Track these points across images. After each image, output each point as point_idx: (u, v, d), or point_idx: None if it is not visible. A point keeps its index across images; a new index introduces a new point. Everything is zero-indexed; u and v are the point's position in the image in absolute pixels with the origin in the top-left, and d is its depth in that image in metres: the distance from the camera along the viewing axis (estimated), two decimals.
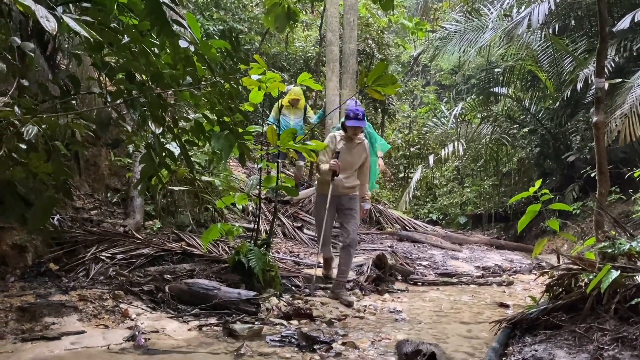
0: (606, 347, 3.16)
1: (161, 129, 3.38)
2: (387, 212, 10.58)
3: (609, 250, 3.76)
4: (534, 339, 3.60)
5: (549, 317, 3.73)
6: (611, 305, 3.42)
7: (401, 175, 16.24)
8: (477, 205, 14.05)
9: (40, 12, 1.91)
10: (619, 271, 3.32)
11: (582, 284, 3.73)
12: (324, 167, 5.10)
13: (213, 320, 4.09)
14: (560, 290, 3.93)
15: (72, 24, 2.11)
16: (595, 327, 3.39)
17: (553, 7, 10.18)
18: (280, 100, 8.37)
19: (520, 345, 3.57)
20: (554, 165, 11.85)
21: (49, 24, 1.91)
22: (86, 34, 2.15)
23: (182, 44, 3.17)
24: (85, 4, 3.14)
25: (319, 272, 5.73)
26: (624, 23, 9.19)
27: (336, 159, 5.07)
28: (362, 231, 9.06)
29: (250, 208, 8.17)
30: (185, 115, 4.12)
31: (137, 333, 3.58)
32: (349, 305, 4.90)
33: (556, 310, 3.77)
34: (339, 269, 5.22)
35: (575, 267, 3.86)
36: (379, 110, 15.05)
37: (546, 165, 12.16)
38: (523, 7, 11.53)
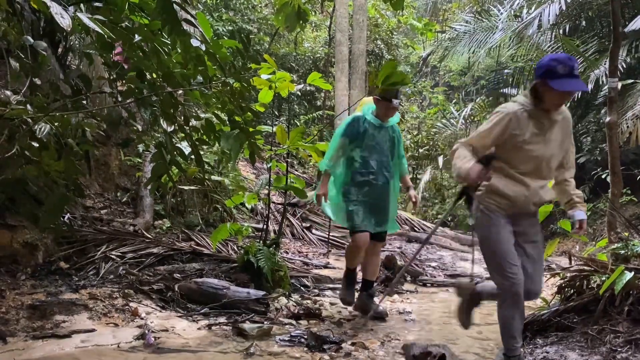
0: (619, 349, 3.13)
1: (172, 127, 3.39)
2: None
3: (622, 252, 3.72)
4: (546, 340, 3.57)
5: (560, 318, 3.69)
6: (624, 307, 3.38)
7: (410, 176, 16.19)
8: None
9: (55, 9, 1.92)
10: (633, 272, 3.28)
11: (594, 285, 3.69)
12: (463, 166, 2.85)
13: (222, 319, 4.09)
14: (572, 291, 3.89)
15: (86, 21, 2.12)
16: (607, 329, 3.35)
17: (564, 8, 10.13)
18: None
19: (531, 346, 3.54)
20: None
21: (64, 21, 1.93)
22: (99, 30, 2.16)
23: (193, 43, 3.18)
24: (97, 4, 3.15)
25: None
26: (636, 24, 9.13)
27: (491, 159, 2.95)
28: None
29: (259, 208, 8.18)
30: (195, 114, 4.13)
31: (146, 332, 3.58)
32: None
33: (568, 311, 3.73)
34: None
35: (588, 268, 3.83)
36: None
37: None
38: (533, 8, 11.47)
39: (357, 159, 4.39)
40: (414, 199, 4.58)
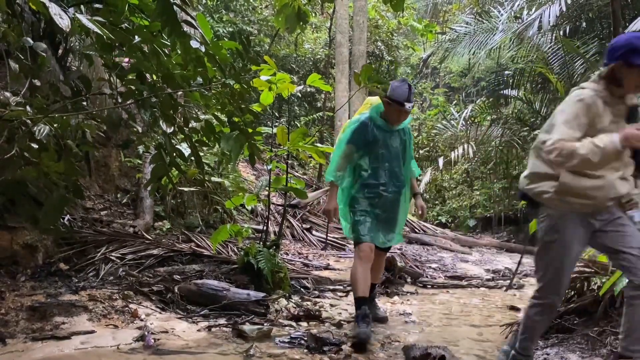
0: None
1: (172, 128, 3.38)
2: None
3: None
4: (546, 342, 3.57)
5: (561, 320, 3.69)
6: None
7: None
8: (487, 208, 13.97)
9: (54, 9, 1.92)
10: None
11: (595, 287, 3.69)
12: (604, 141, 2.55)
13: (222, 321, 4.09)
14: (573, 293, 3.89)
15: (85, 22, 2.12)
16: (608, 331, 3.35)
17: (564, 9, 10.12)
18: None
19: None
20: None
21: (62, 22, 1.92)
22: (98, 31, 2.16)
23: (193, 44, 3.17)
24: (97, 5, 3.15)
25: None
26: (636, 25, 9.10)
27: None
28: None
29: (260, 209, 8.18)
30: (195, 115, 4.13)
31: (146, 333, 3.58)
32: None
33: (568, 313, 3.73)
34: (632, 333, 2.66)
35: (588, 270, 3.83)
36: None
37: None
38: (534, 9, 11.46)
39: (365, 168, 4.03)
40: (420, 211, 4.27)
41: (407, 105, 3.87)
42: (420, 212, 4.29)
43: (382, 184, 4.01)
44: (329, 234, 8.30)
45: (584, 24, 11.66)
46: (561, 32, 11.26)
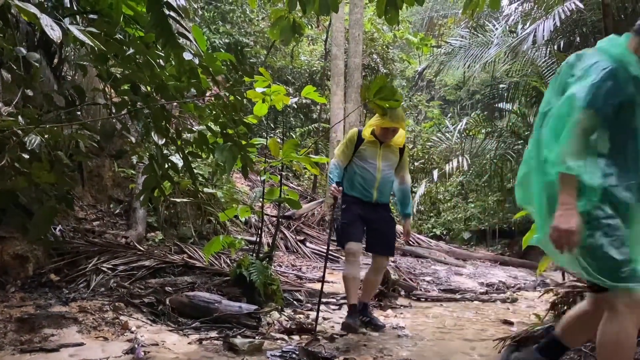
0: None
1: (164, 140, 3.37)
2: None
3: None
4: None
5: None
6: None
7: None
8: (482, 220, 13.98)
9: (45, 20, 1.92)
10: None
11: None
12: None
13: (213, 333, 4.05)
14: (566, 308, 3.88)
15: (77, 34, 2.12)
16: None
17: (558, 24, 10.21)
18: (355, 130, 4.66)
19: None
20: None
21: (54, 33, 1.92)
22: (91, 43, 2.16)
23: (187, 56, 3.18)
24: (91, 16, 3.16)
25: None
26: None
27: None
28: None
29: (253, 221, 8.15)
30: (189, 127, 4.12)
31: (136, 346, 3.54)
32: None
33: None
34: None
35: (581, 284, 3.81)
36: None
37: None
38: (528, 24, 11.57)
39: (603, 154, 2.24)
40: None
41: None
42: None
43: (634, 186, 2.23)
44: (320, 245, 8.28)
45: (578, 38, 11.76)
46: (555, 47, 11.35)
